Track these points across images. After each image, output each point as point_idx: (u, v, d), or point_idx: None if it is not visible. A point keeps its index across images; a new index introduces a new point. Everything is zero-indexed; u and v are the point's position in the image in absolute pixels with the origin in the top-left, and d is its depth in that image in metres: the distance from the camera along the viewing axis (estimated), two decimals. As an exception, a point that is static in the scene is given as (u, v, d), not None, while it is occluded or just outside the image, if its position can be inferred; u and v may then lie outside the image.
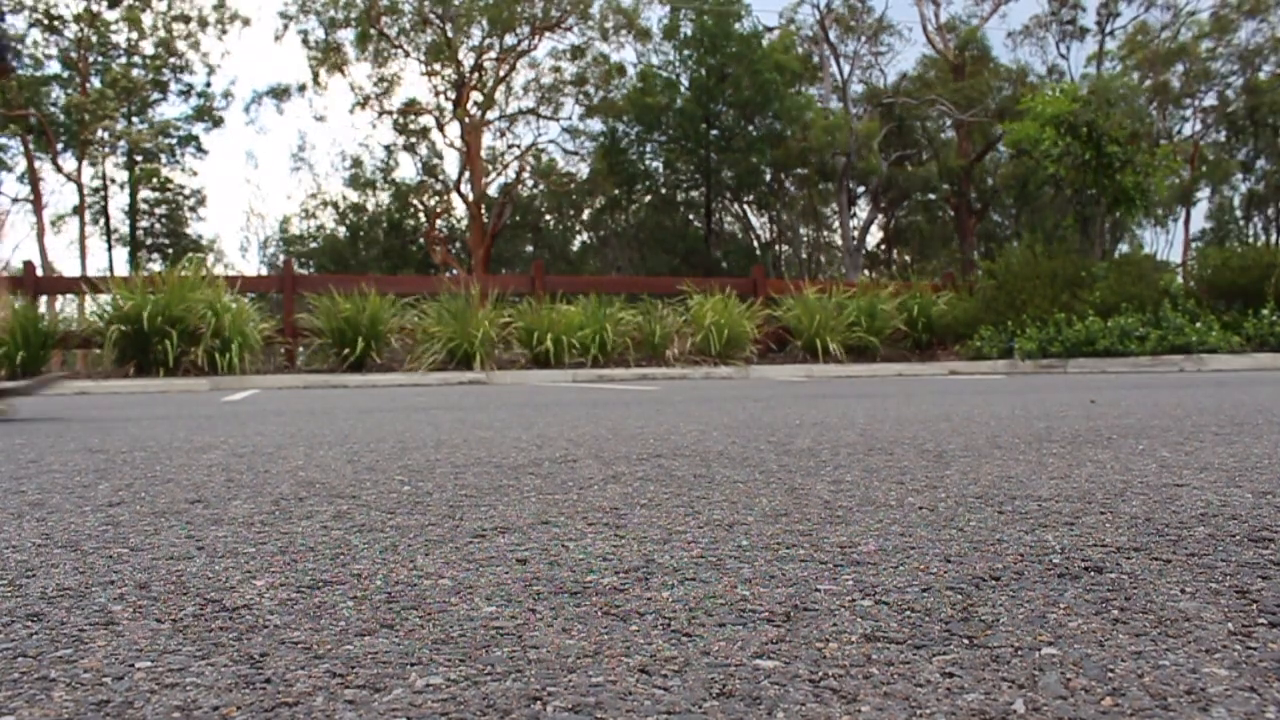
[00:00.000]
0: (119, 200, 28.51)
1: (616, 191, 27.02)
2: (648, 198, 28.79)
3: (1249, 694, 0.51)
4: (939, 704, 0.50)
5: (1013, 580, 0.76)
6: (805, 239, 32.57)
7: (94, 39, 25.25)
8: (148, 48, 26.51)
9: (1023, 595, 0.72)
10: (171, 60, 26.92)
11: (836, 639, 0.62)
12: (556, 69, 26.98)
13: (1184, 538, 0.91)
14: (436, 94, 26.86)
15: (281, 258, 28.71)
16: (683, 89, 26.04)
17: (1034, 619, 0.65)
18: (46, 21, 24.21)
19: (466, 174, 26.38)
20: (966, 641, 0.61)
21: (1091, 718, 0.48)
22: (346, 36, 26.01)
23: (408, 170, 28.65)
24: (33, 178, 25.29)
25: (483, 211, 25.95)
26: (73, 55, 25.14)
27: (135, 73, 25.97)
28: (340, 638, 0.64)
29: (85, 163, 25.93)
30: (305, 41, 26.19)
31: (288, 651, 0.61)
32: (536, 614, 0.69)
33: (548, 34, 25.95)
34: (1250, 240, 29.03)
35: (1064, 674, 0.54)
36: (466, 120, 25.61)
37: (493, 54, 25.97)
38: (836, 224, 29.54)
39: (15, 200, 27.21)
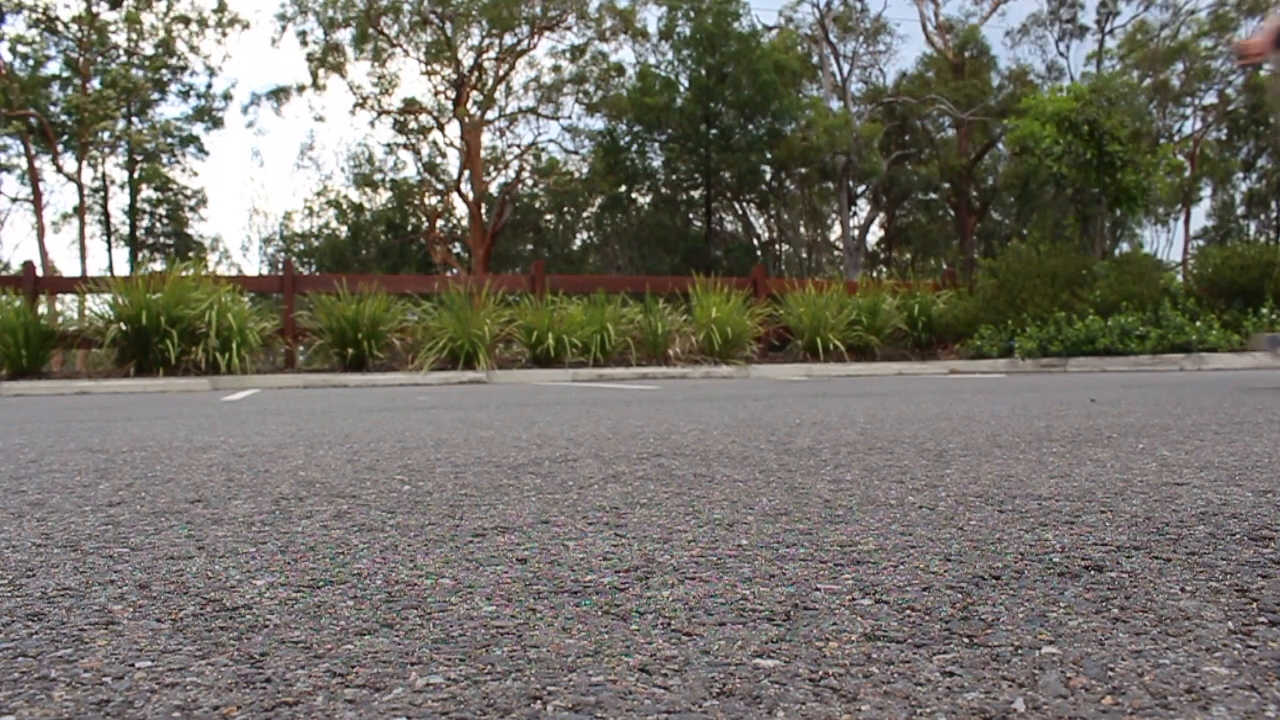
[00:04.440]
0: (119, 200, 28.52)
1: (620, 189, 27.00)
2: (648, 197, 28.79)
3: (1249, 692, 0.51)
4: (939, 703, 0.50)
5: (1013, 579, 0.76)
6: (805, 238, 32.57)
7: (94, 39, 25.26)
8: (147, 48, 26.51)
9: (1023, 594, 0.72)
10: (171, 61, 26.94)
11: (837, 638, 0.62)
12: (556, 68, 26.99)
13: (1184, 536, 0.91)
14: (436, 94, 26.86)
15: (283, 256, 28.73)
16: (682, 88, 26.02)
17: (1034, 618, 0.65)
18: (46, 22, 24.20)
19: (467, 173, 26.38)
20: (966, 640, 0.61)
21: (1092, 716, 0.48)
22: (345, 37, 26.01)
23: (408, 170, 28.65)
24: (33, 178, 25.29)
25: (483, 211, 25.95)
26: (73, 55, 25.15)
27: (135, 73, 25.97)
28: (340, 637, 0.64)
29: (85, 163, 25.94)
30: (304, 42, 26.18)
31: (288, 651, 0.61)
32: (537, 613, 0.69)
33: (547, 33, 25.95)
34: (1251, 239, 29.02)
35: (1064, 673, 0.54)
36: (466, 120, 25.60)
37: (492, 53, 25.97)
38: (836, 223, 29.55)
39: (15, 200, 27.23)
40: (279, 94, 27.67)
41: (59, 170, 25.72)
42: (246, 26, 30.31)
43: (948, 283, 13.17)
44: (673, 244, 26.02)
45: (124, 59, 26.13)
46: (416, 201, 28.43)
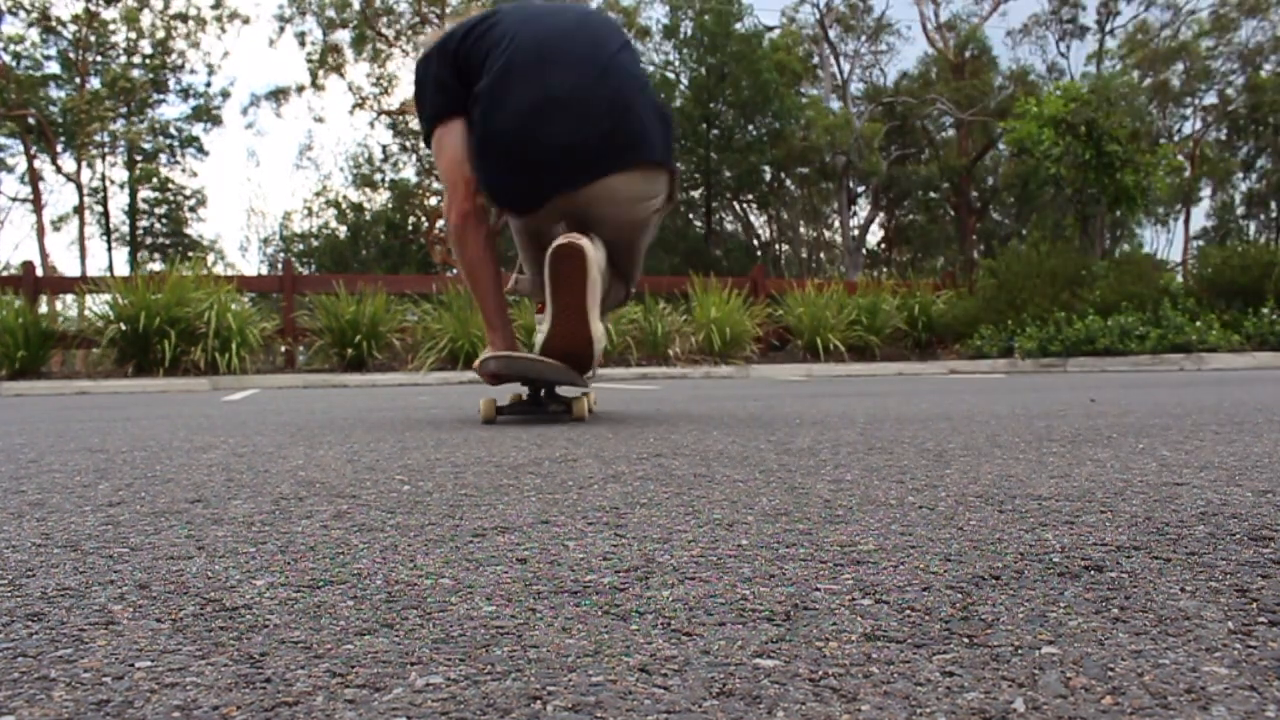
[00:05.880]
0: (119, 200, 28.52)
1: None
2: (648, 197, 28.70)
3: (1249, 692, 0.51)
4: (939, 703, 0.50)
5: (1013, 579, 0.76)
6: (805, 238, 32.55)
7: (93, 39, 25.25)
8: (146, 47, 26.50)
9: (1023, 594, 0.72)
10: (170, 60, 26.92)
11: (836, 638, 0.62)
12: (556, 68, 26.95)
13: (1184, 536, 0.91)
14: (436, 93, 26.83)
15: (282, 256, 28.72)
16: (682, 88, 26.02)
17: (1034, 618, 0.65)
18: (44, 23, 24.19)
19: (466, 173, 26.32)
20: (966, 640, 0.61)
21: (1092, 716, 0.48)
22: (344, 38, 26.02)
23: (407, 170, 28.66)
24: (33, 178, 25.29)
25: (483, 211, 25.91)
26: (71, 55, 25.14)
27: (134, 73, 25.95)
28: (340, 637, 0.64)
29: (84, 163, 25.92)
30: (302, 43, 26.20)
31: (288, 651, 0.61)
32: (536, 613, 0.69)
33: (547, 33, 25.91)
34: (1251, 239, 29.02)
35: (1064, 673, 0.54)
36: (466, 120, 25.57)
37: (492, 53, 25.93)
38: (836, 223, 29.54)
39: (15, 200, 27.22)
40: (278, 95, 27.71)
41: (58, 170, 25.71)
42: (246, 21, 30.32)
43: (948, 283, 13.18)
44: (673, 244, 26.00)
45: (123, 59, 26.12)
46: (416, 201, 28.43)
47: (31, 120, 23.99)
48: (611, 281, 2.63)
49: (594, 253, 2.23)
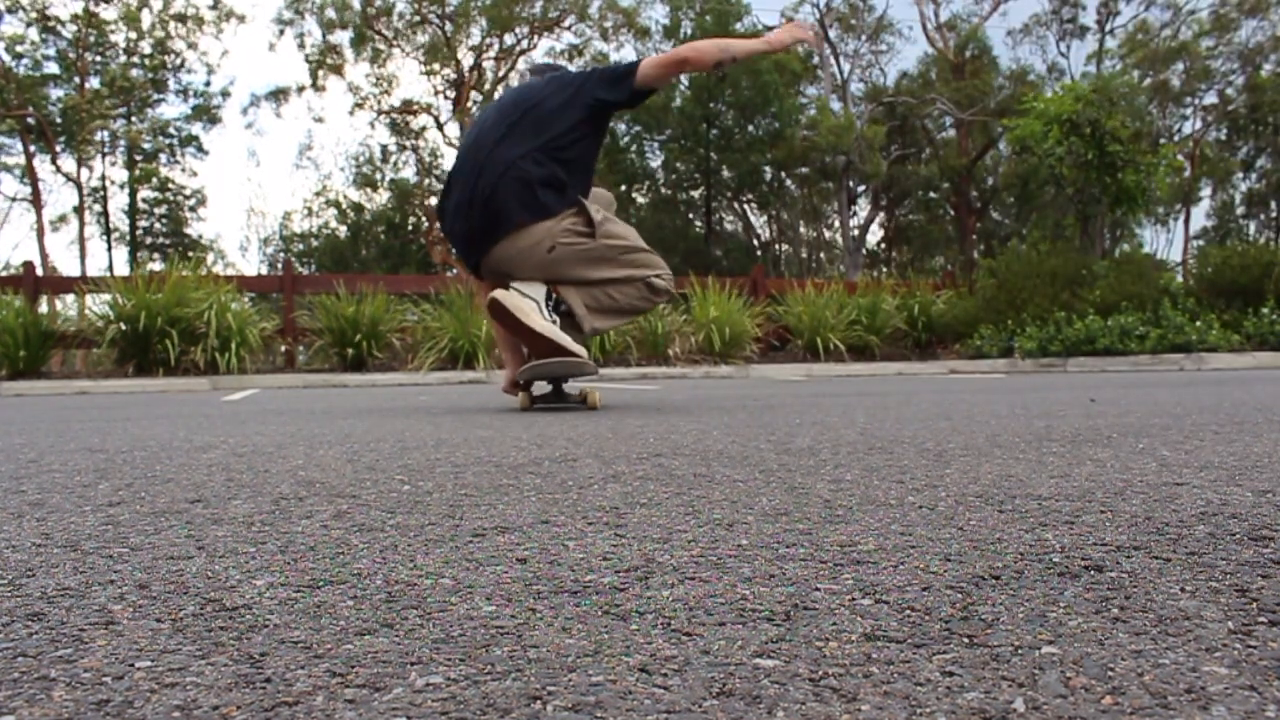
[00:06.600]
0: (119, 200, 28.50)
1: (620, 189, 26.98)
2: (648, 197, 28.76)
3: (1249, 692, 0.51)
4: (939, 703, 0.50)
5: (1012, 579, 0.76)
6: (805, 238, 32.54)
7: (92, 39, 25.24)
8: (146, 47, 26.48)
9: (1022, 594, 0.72)
10: (170, 59, 26.90)
11: (836, 638, 0.62)
12: (556, 68, 26.93)
13: (1184, 536, 0.91)
14: (436, 93, 26.87)
15: (282, 256, 28.70)
16: (682, 88, 26.02)
17: (1034, 618, 0.65)
18: (43, 22, 24.17)
19: (466, 173, 26.30)
20: (966, 640, 0.61)
21: (1092, 716, 0.48)
22: (343, 38, 26.01)
23: (407, 170, 28.66)
24: (32, 177, 25.28)
25: (483, 211, 25.89)
26: (70, 55, 25.12)
27: (134, 73, 25.94)
28: (340, 637, 0.64)
29: (84, 163, 25.89)
30: (301, 44, 26.19)
31: (288, 651, 0.61)
32: (536, 613, 0.69)
33: (546, 33, 25.96)
34: (1251, 239, 29.00)
35: (1064, 672, 0.54)
36: (466, 120, 25.59)
37: (492, 53, 25.97)
38: (836, 223, 29.53)
39: (15, 199, 27.22)
40: (278, 95, 27.69)
41: (58, 170, 25.70)
42: (243, 20, 30.33)
43: (948, 283, 13.18)
44: (673, 244, 25.99)
45: (123, 59, 26.10)
46: (416, 201, 28.42)
47: (31, 120, 24.00)
48: (605, 288, 3.22)
49: (505, 293, 2.99)
